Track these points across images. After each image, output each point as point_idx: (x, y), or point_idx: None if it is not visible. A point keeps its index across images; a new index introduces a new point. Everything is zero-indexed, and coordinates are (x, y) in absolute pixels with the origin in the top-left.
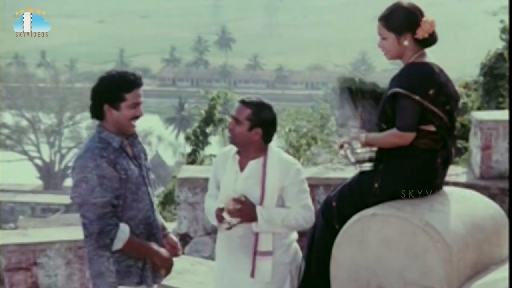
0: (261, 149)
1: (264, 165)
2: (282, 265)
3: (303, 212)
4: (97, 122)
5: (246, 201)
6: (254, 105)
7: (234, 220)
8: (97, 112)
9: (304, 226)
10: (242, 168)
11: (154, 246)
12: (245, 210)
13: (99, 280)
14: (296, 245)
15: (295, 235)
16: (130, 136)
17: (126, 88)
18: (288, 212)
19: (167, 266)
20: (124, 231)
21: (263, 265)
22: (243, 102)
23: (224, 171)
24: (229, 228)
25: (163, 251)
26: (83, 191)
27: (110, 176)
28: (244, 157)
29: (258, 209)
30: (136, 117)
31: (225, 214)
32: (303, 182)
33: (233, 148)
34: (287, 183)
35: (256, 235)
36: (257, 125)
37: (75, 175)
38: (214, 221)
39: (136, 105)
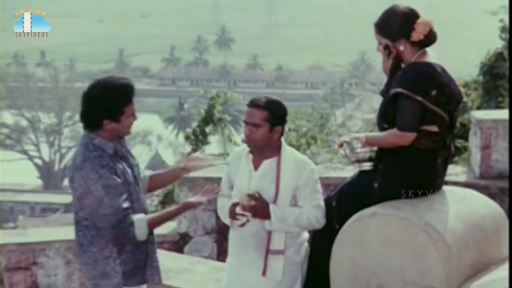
0: (277, 148)
1: (278, 164)
2: (294, 264)
3: (316, 212)
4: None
5: (260, 198)
6: (269, 105)
7: (247, 215)
8: (94, 125)
9: (315, 226)
10: (256, 167)
11: (173, 208)
12: (259, 207)
13: (103, 281)
14: (307, 245)
15: (306, 235)
16: (120, 138)
17: (125, 102)
18: (301, 211)
19: (197, 203)
20: (140, 226)
21: (275, 263)
22: (256, 105)
23: (237, 170)
24: (242, 225)
25: (185, 204)
26: (90, 203)
27: (115, 184)
28: (258, 156)
29: (272, 207)
30: (132, 123)
31: (238, 210)
32: (316, 182)
33: (246, 148)
34: (301, 182)
35: (269, 233)
36: (277, 123)
37: (78, 187)
38: (227, 219)
39: (133, 112)
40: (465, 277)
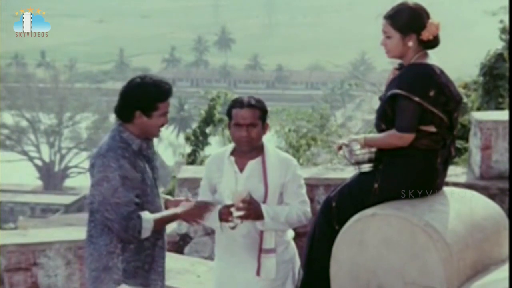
0: (260, 147)
1: (264, 163)
2: (284, 262)
3: (303, 207)
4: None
5: (252, 199)
6: (258, 104)
7: (239, 213)
8: (126, 116)
9: (303, 221)
10: (241, 168)
11: (177, 210)
12: (252, 208)
13: (104, 274)
14: (293, 242)
15: (292, 233)
16: (147, 138)
17: (161, 98)
18: (290, 208)
19: (198, 214)
20: (148, 220)
21: (268, 262)
22: (249, 106)
23: (220, 174)
24: (233, 228)
25: (185, 208)
26: (104, 190)
27: (132, 177)
28: (241, 158)
29: (263, 207)
30: (163, 125)
31: (234, 211)
32: (300, 177)
33: (225, 151)
34: (287, 179)
35: (260, 233)
36: (266, 118)
37: (96, 173)
38: (214, 223)
39: (166, 113)
40: (465, 277)
